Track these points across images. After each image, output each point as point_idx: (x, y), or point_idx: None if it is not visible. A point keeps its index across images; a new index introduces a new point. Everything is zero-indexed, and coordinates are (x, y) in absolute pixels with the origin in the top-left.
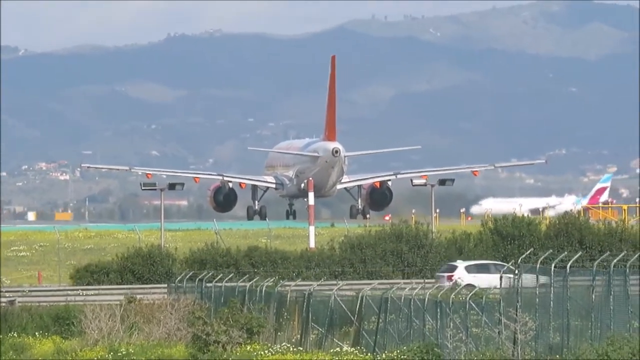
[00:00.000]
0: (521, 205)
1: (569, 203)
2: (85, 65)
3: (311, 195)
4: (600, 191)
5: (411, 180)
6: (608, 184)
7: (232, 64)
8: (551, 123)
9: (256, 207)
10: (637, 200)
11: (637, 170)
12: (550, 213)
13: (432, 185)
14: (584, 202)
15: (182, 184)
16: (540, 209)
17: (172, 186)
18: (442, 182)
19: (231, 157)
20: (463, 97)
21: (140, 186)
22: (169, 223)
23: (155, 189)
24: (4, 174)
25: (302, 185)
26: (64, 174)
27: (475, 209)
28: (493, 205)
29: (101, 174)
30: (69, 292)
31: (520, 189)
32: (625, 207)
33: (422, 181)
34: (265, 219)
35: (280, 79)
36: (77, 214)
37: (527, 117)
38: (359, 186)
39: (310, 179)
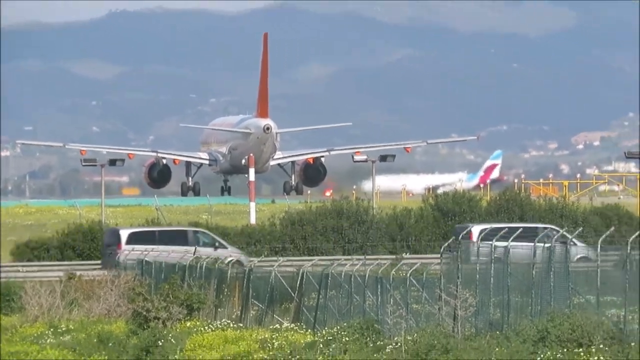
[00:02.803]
0: (405, 186)
1: (457, 180)
2: (26, 41)
3: (252, 171)
4: (492, 168)
5: (352, 156)
6: (499, 161)
7: (173, 40)
8: (493, 99)
9: (190, 184)
10: (578, 176)
11: (578, 146)
12: (439, 191)
13: (373, 161)
14: (475, 179)
15: (123, 160)
16: (431, 187)
17: (112, 162)
18: (383, 158)
19: (172, 134)
20: (405, 73)
21: (81, 162)
22: (110, 199)
23: (95, 165)
24: None
25: (243, 161)
26: (5, 150)
27: (365, 186)
28: (382, 182)
29: (42, 150)
30: (9, 268)
31: (460, 165)
32: (566, 183)
33: (363, 157)
34: (199, 195)
35: (221, 55)
36: (17, 190)
37: (469, 93)
38: (293, 162)
39: (251, 155)
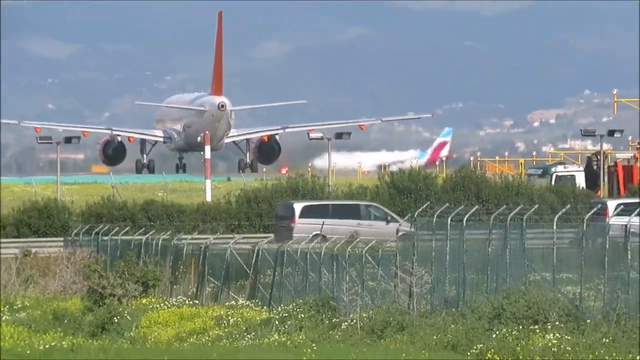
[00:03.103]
0: (360, 164)
1: (410, 158)
2: None
3: (207, 148)
4: (442, 145)
5: (308, 134)
6: (448, 139)
7: (127, 17)
8: (447, 77)
9: (144, 161)
10: (534, 154)
11: (534, 124)
12: (392, 168)
13: (329, 139)
14: (425, 157)
15: (78, 138)
16: (385, 165)
17: (68, 140)
18: (339, 135)
19: (127, 112)
20: (359, 52)
21: (37, 140)
22: (66, 176)
23: (51, 143)
24: None
25: (199, 138)
26: None
27: (318, 163)
28: (338, 160)
29: None
30: None
31: (416, 143)
32: (522, 160)
33: (319, 135)
34: (153, 173)
35: (177, 33)
36: None
37: (424, 71)
38: (248, 140)
39: (207, 132)
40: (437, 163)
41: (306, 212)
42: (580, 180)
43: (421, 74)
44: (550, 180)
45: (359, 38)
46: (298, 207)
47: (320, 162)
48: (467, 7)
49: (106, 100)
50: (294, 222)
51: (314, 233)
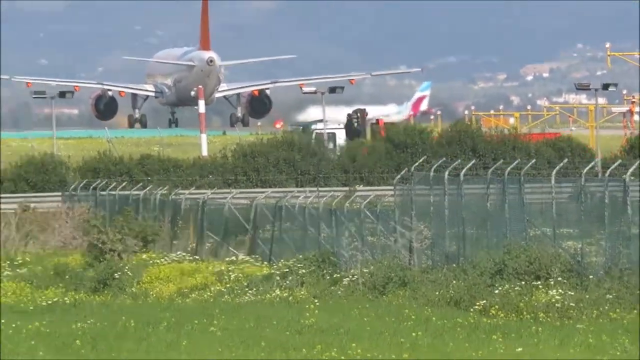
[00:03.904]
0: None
1: (390, 112)
2: None
3: (201, 103)
4: (420, 100)
5: (300, 88)
6: (427, 93)
7: None
8: (440, 30)
9: (137, 116)
10: (529, 107)
11: (528, 78)
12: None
13: (322, 93)
14: (406, 111)
15: (72, 93)
16: (375, 120)
17: (62, 94)
18: (332, 89)
19: (120, 67)
20: (350, 6)
21: (31, 95)
22: (61, 131)
23: (45, 97)
24: None
25: (192, 93)
26: None
27: (301, 117)
28: (329, 115)
29: None
30: None
31: (408, 97)
32: (517, 114)
33: (312, 89)
34: (145, 127)
35: None
36: None
37: (418, 25)
38: (238, 94)
39: (200, 87)
40: (416, 116)
41: None
42: (341, 138)
43: (413, 27)
44: (310, 137)
45: None
46: None
47: (309, 116)
48: None
49: (98, 55)
50: None
51: None
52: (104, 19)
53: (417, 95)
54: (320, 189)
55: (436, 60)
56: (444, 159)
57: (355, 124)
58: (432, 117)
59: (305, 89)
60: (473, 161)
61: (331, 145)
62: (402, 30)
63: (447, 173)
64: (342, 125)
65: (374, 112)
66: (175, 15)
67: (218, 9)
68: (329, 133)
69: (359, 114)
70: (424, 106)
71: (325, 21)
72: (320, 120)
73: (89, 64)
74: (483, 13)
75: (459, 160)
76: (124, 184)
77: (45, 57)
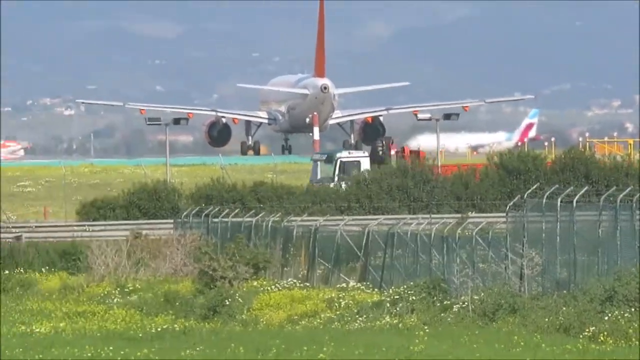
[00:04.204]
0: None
1: (497, 139)
2: (89, 1)
3: (316, 130)
4: (529, 127)
5: (415, 115)
6: (535, 120)
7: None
8: (556, 58)
9: (250, 142)
10: None
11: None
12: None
13: (437, 120)
14: (515, 138)
15: (187, 119)
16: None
17: (176, 121)
18: (447, 116)
19: (234, 93)
20: (466, 32)
21: (145, 121)
22: (175, 158)
23: (160, 124)
24: (8, 108)
25: (307, 119)
26: (69, 109)
27: (414, 143)
28: (429, 142)
29: (106, 109)
30: (75, 227)
31: (519, 124)
32: (631, 141)
33: (427, 115)
34: (258, 154)
35: (285, 14)
36: (82, 149)
37: (532, 52)
38: (352, 121)
39: (315, 114)
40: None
41: None
42: (366, 167)
43: (529, 55)
44: (335, 166)
45: (465, 18)
46: None
47: (421, 143)
48: None
49: (213, 81)
50: None
51: None
52: (221, 45)
53: (526, 122)
54: (432, 215)
55: (551, 87)
56: (557, 185)
57: (380, 152)
58: (545, 143)
59: (421, 116)
60: (586, 188)
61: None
62: (516, 57)
63: (559, 200)
64: (367, 154)
65: (482, 139)
66: (292, 42)
67: (334, 35)
68: (353, 161)
69: (384, 142)
70: (532, 133)
71: (440, 47)
72: (347, 149)
73: (204, 90)
74: (599, 40)
75: (572, 187)
76: (236, 211)
77: (161, 83)
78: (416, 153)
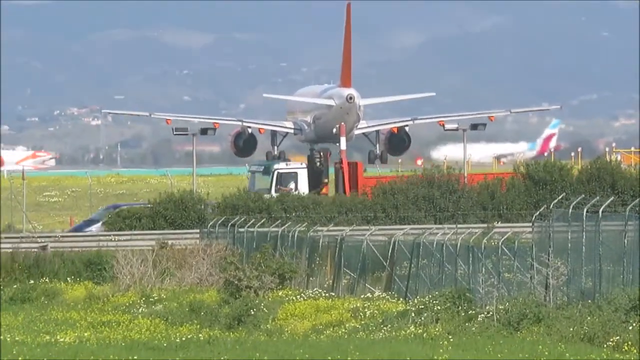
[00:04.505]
0: (470, 155)
1: (520, 149)
2: (112, 10)
3: (343, 140)
4: (550, 137)
5: (443, 125)
6: (556, 130)
7: (261, 7)
8: (583, 68)
9: (275, 152)
10: None
11: None
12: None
13: (464, 130)
14: (536, 148)
15: (214, 130)
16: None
17: (203, 131)
18: (474, 126)
19: (262, 103)
20: (493, 42)
21: (172, 131)
22: (201, 168)
23: (187, 134)
24: (35, 118)
25: (334, 130)
26: (96, 119)
27: (439, 154)
28: (453, 152)
29: (133, 119)
30: (101, 237)
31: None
32: None
33: (454, 126)
34: None
35: (312, 23)
36: (109, 159)
37: (559, 61)
38: (377, 131)
39: (343, 124)
40: (546, 154)
41: None
42: (303, 178)
43: (557, 65)
44: (272, 178)
45: (493, 28)
46: None
47: (448, 153)
48: None
49: (241, 91)
50: None
51: None
52: (250, 55)
53: (547, 132)
54: (458, 225)
55: (579, 97)
56: (583, 196)
57: (318, 164)
58: (572, 153)
59: (448, 126)
60: (612, 198)
61: (292, 185)
62: (542, 67)
63: (585, 210)
64: (304, 165)
65: (504, 149)
66: (320, 52)
67: (361, 45)
68: (290, 173)
69: (321, 154)
70: (552, 143)
71: (467, 57)
72: (283, 160)
73: (231, 100)
74: (626, 50)
75: (598, 198)
76: (262, 220)
77: (188, 93)
78: (354, 165)
